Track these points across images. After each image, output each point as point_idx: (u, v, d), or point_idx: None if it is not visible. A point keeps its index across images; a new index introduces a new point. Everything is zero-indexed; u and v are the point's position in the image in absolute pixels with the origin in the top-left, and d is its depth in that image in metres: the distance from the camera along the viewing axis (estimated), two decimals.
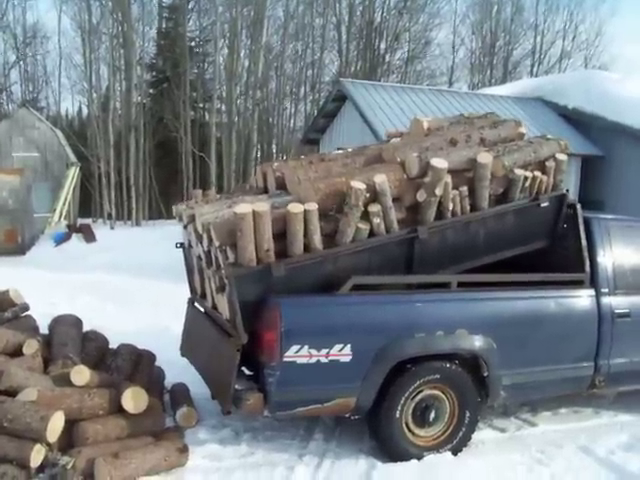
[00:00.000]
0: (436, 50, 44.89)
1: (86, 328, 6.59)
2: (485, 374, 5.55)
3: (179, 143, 34.92)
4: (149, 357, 6.54)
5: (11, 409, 4.71)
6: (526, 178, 5.93)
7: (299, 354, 4.91)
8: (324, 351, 4.97)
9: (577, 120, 18.58)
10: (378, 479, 5.08)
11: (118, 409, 5.24)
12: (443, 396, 5.53)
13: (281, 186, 5.85)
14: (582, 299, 6.05)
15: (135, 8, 35.27)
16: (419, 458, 5.35)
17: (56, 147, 26.80)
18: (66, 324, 6.34)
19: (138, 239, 20.71)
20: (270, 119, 39.98)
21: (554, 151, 6.26)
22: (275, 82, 39.89)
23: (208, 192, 6.76)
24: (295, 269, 5.00)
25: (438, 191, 5.37)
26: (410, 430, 5.44)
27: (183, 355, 6.67)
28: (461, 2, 57.47)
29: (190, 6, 38.96)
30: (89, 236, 21.29)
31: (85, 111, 43.53)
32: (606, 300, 6.12)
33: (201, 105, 39.76)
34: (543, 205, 6.19)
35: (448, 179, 5.43)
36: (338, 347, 5.00)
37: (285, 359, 4.88)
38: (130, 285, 13.08)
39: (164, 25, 41.01)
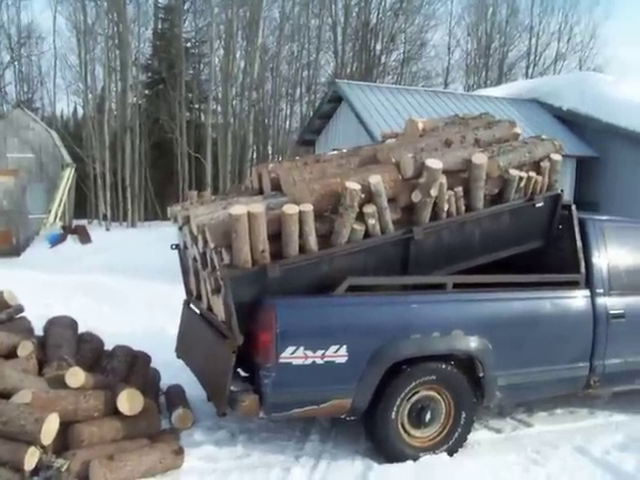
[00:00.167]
0: (432, 51, 44.91)
1: (81, 330, 6.59)
2: (481, 375, 5.56)
3: (175, 144, 34.81)
4: (144, 359, 6.53)
5: (5, 411, 4.70)
6: (521, 178, 5.93)
7: (295, 355, 4.91)
8: (320, 352, 4.97)
9: (572, 121, 18.62)
10: None
11: (113, 411, 5.24)
12: (439, 397, 5.54)
13: (276, 187, 5.85)
14: (577, 300, 6.06)
15: (130, 9, 35.13)
16: (415, 459, 5.36)
17: (51, 148, 26.70)
18: (61, 326, 6.33)
19: (133, 240, 20.70)
20: (266, 120, 39.90)
21: (549, 151, 6.27)
22: (271, 83, 39.82)
23: (203, 193, 6.76)
24: (290, 270, 5.00)
25: (433, 192, 5.37)
26: (406, 431, 5.45)
27: (179, 357, 6.66)
28: (456, 4, 57.35)
29: (186, 7, 38.89)
30: (84, 237, 21.27)
31: (80, 112, 43.54)
32: (601, 301, 6.13)
33: (197, 106, 39.65)
34: (538, 205, 6.20)
35: (443, 180, 5.44)
36: (334, 348, 5.00)
37: (281, 360, 4.89)
38: (125, 286, 13.06)
39: (160, 26, 40.88)
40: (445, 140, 6.06)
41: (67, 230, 22.19)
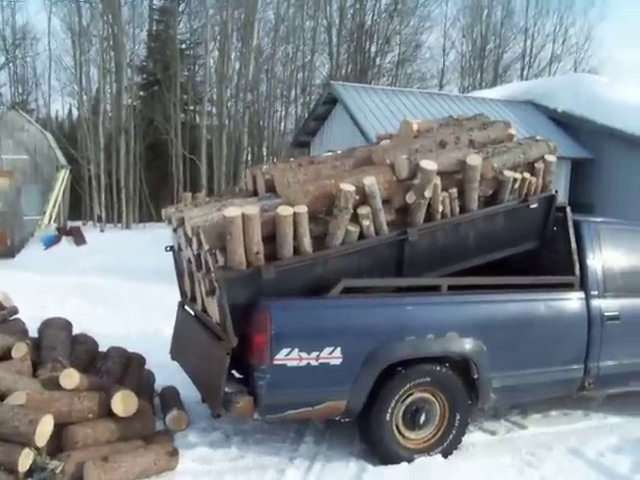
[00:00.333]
0: (427, 53, 44.92)
1: (76, 331, 6.59)
2: (475, 377, 5.56)
3: (169, 145, 34.76)
4: (139, 360, 6.53)
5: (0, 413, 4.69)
6: (515, 179, 5.94)
7: (289, 357, 4.91)
8: (314, 354, 4.97)
9: (567, 123, 18.64)
10: None
11: (108, 412, 5.23)
12: (433, 399, 5.54)
13: (270, 189, 5.84)
14: (572, 302, 6.07)
15: (125, 10, 35.13)
16: (410, 461, 5.36)
17: (46, 149, 26.73)
18: (55, 327, 6.33)
19: (128, 242, 20.68)
20: (261, 122, 39.86)
21: (543, 152, 6.28)
22: (266, 85, 39.78)
23: (197, 195, 6.75)
24: (285, 272, 5.00)
25: (427, 193, 5.37)
26: (400, 433, 5.45)
27: (173, 358, 6.65)
28: (451, 5, 57.62)
29: (181, 8, 38.84)
30: (79, 239, 21.25)
31: (75, 113, 43.42)
32: (596, 303, 6.14)
33: (192, 108, 39.58)
34: (532, 206, 6.21)
35: (437, 181, 5.44)
36: (328, 350, 5.00)
37: (275, 362, 4.89)
38: (120, 288, 13.06)
39: (154, 27, 40.82)
40: (439, 141, 6.06)
41: (62, 231, 22.17)
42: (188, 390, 6.12)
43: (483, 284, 5.77)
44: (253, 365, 5.00)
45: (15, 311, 6.62)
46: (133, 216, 33.48)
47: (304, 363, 4.95)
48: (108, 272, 15.00)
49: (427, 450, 5.50)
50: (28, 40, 42.08)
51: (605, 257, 6.31)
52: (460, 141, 6.15)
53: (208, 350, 5.52)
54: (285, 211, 4.86)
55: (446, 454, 5.54)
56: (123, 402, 5.24)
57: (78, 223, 29.66)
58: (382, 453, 5.38)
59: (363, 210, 5.20)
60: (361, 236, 5.29)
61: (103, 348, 6.53)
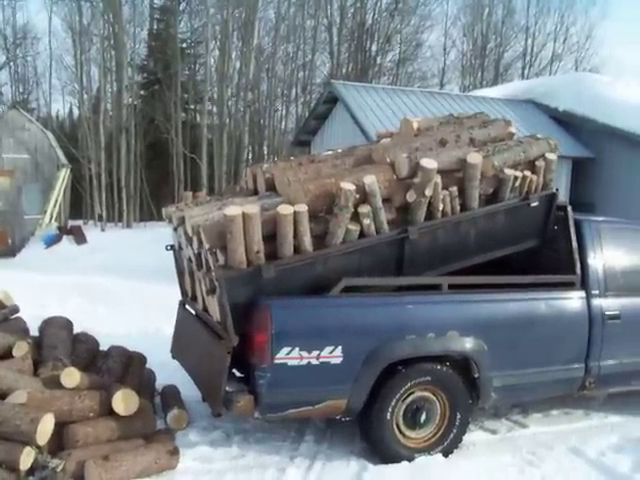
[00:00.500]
0: (427, 52, 44.91)
1: (76, 330, 6.58)
2: (476, 376, 5.56)
3: (170, 145, 34.75)
4: (140, 359, 6.53)
5: (1, 411, 4.70)
6: (516, 178, 5.93)
7: (290, 356, 4.91)
8: (315, 353, 4.97)
9: (568, 122, 18.62)
10: None
11: (109, 411, 5.24)
12: (434, 398, 5.54)
13: (271, 187, 5.84)
14: (573, 301, 6.06)
15: (126, 9, 35.12)
16: (410, 460, 5.36)
17: (47, 149, 26.70)
18: (56, 326, 6.32)
19: (129, 241, 20.68)
20: (261, 121, 39.84)
21: (544, 150, 6.27)
22: (266, 84, 39.76)
23: (198, 194, 6.75)
24: (285, 271, 5.00)
25: (428, 191, 5.37)
26: (401, 432, 5.45)
27: (174, 357, 6.65)
28: (452, 4, 57.39)
29: (181, 8, 38.84)
30: (80, 238, 21.24)
31: (76, 112, 43.40)
32: (597, 302, 6.13)
33: (192, 107, 39.58)
34: (533, 205, 6.20)
35: (438, 179, 5.44)
36: (329, 349, 5.00)
37: (276, 361, 4.89)
38: (121, 287, 13.06)
39: (155, 26, 40.82)
40: (440, 140, 6.06)
41: (62, 231, 22.17)
42: (189, 389, 6.13)
43: (484, 283, 5.76)
44: (254, 364, 5.00)
45: (16, 310, 6.62)
46: (134, 215, 33.50)
47: (305, 362, 4.95)
48: (109, 271, 14.99)
49: (428, 449, 5.50)
50: (29, 39, 42.17)
51: (606, 256, 6.30)
52: (460, 139, 6.15)
53: (209, 349, 5.52)
54: (285, 210, 4.86)
55: (447, 453, 5.54)
56: (124, 401, 5.24)
57: (79, 222, 29.69)
58: (383, 452, 5.38)
59: (363, 209, 5.20)
60: (361, 235, 5.29)
61: (104, 347, 6.54)
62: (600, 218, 6.74)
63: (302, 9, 39.46)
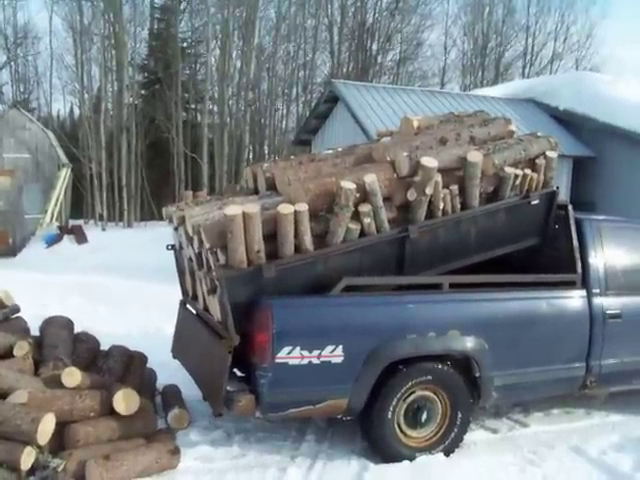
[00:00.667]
0: (428, 51, 44.91)
1: (77, 330, 6.58)
2: (477, 375, 5.56)
3: (171, 144, 34.77)
4: (140, 359, 6.53)
5: (1, 411, 4.70)
6: (516, 176, 5.93)
7: (291, 355, 4.90)
8: (316, 352, 4.97)
9: (568, 121, 18.60)
10: None
11: (109, 411, 5.23)
12: (435, 397, 5.53)
13: (271, 187, 5.84)
14: (574, 300, 6.06)
15: (127, 9, 35.14)
16: (411, 459, 5.36)
17: (47, 148, 26.70)
18: (57, 326, 6.32)
19: (130, 240, 20.67)
20: (262, 120, 39.84)
21: (544, 149, 6.27)
22: (267, 83, 39.77)
23: (199, 193, 6.74)
24: (286, 270, 5.00)
25: (428, 190, 5.37)
26: (402, 431, 5.45)
27: (175, 357, 6.65)
28: (453, 3, 57.72)
29: (182, 7, 38.79)
30: (80, 237, 21.23)
31: (76, 112, 43.41)
32: (598, 301, 6.13)
33: (193, 106, 39.60)
34: (534, 203, 6.20)
35: (438, 178, 5.43)
36: (330, 348, 5.00)
37: (277, 360, 4.88)
38: (122, 286, 13.05)
39: (156, 26, 40.81)
40: (440, 138, 6.05)
41: (63, 230, 22.15)
42: (189, 388, 6.12)
43: (485, 282, 5.76)
44: (255, 363, 5.00)
45: (17, 309, 6.63)
46: (135, 215, 33.54)
47: (306, 361, 4.95)
48: (109, 271, 14.98)
49: (429, 448, 5.50)
50: (29, 39, 42.17)
51: (607, 255, 6.30)
52: (461, 138, 6.15)
53: (210, 349, 5.52)
54: (286, 209, 4.85)
55: (448, 452, 5.54)
56: (125, 400, 5.24)
57: (80, 222, 29.64)
58: (384, 451, 5.38)
59: (364, 208, 5.20)
60: (362, 234, 5.29)
61: (104, 346, 6.53)
62: (601, 217, 6.74)
63: (303, 8, 39.49)
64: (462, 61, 45.49)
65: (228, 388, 5.07)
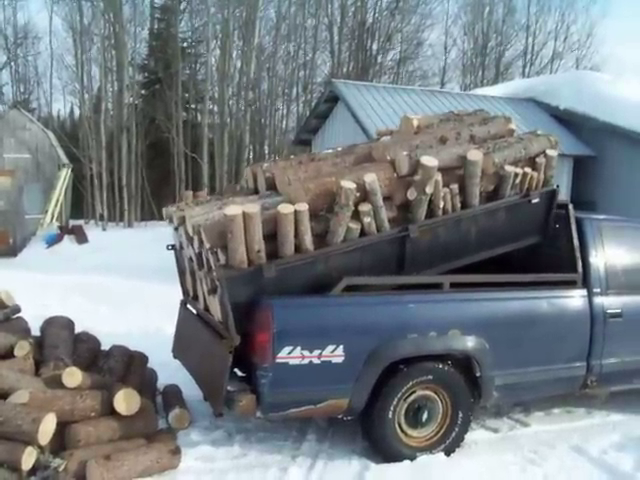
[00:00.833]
0: (428, 51, 44.85)
1: (78, 330, 6.58)
2: (478, 374, 5.56)
3: (171, 144, 34.74)
4: (141, 359, 6.52)
5: (2, 411, 4.70)
6: (517, 175, 5.93)
7: (291, 355, 4.90)
8: (316, 352, 4.97)
9: (569, 121, 18.59)
10: None
11: (110, 411, 5.23)
12: (436, 397, 5.53)
13: (271, 187, 5.84)
14: (574, 299, 6.06)
15: (127, 9, 35.06)
16: (412, 459, 5.36)
17: (48, 148, 26.70)
18: (58, 326, 6.32)
19: (130, 240, 20.67)
20: (262, 120, 39.80)
21: (544, 147, 6.27)
22: (267, 83, 39.72)
23: (199, 193, 6.74)
24: (286, 270, 5.00)
25: (428, 189, 5.37)
26: (403, 431, 5.45)
27: (175, 357, 6.66)
28: (453, 3, 57.69)
29: (182, 7, 38.77)
30: (81, 237, 21.24)
31: (77, 112, 43.37)
32: (598, 300, 6.13)
33: (193, 106, 39.57)
34: (534, 201, 6.20)
35: (438, 177, 5.43)
36: (330, 348, 5.00)
37: (277, 360, 4.88)
38: (122, 286, 13.06)
39: (156, 26, 40.76)
40: (440, 137, 6.05)
41: (64, 230, 22.15)
42: (190, 388, 6.12)
43: (485, 282, 5.76)
44: (255, 363, 5.00)
45: (17, 310, 6.62)
46: (135, 215, 33.53)
47: (306, 361, 4.95)
48: (110, 271, 14.99)
49: (429, 448, 5.50)
50: (29, 39, 42.13)
51: (608, 254, 6.30)
52: (461, 137, 6.15)
53: (210, 348, 5.52)
54: (286, 209, 4.86)
55: (448, 452, 5.54)
56: (125, 400, 5.24)
57: (80, 222, 29.58)
58: (384, 451, 5.38)
59: (364, 207, 5.20)
60: (362, 233, 5.29)
61: (105, 346, 6.53)
62: (601, 216, 6.74)
63: (303, 8, 39.47)
64: (462, 61, 45.51)
65: (229, 388, 5.07)
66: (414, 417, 5.46)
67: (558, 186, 6.42)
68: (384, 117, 16.56)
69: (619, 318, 6.19)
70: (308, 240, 5.03)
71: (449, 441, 5.56)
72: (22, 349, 5.71)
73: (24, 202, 21.99)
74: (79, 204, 34.63)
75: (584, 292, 6.10)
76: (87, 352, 6.25)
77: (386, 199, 5.37)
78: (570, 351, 6.06)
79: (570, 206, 6.26)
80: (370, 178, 5.16)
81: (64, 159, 27.34)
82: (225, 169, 32.40)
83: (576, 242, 6.10)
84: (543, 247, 6.42)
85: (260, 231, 4.81)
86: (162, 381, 6.68)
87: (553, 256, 6.31)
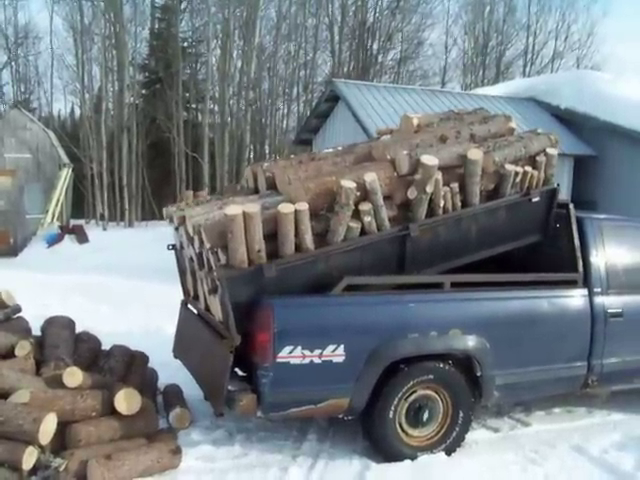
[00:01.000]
0: (429, 50, 44.90)
1: (79, 329, 6.58)
2: (478, 374, 5.56)
3: (172, 144, 34.75)
4: (142, 358, 6.52)
5: (3, 411, 4.69)
6: (517, 173, 5.93)
7: (292, 355, 4.90)
8: (317, 352, 4.96)
9: (569, 120, 18.59)
10: None
11: (111, 411, 5.23)
12: (436, 396, 5.53)
13: (271, 186, 5.84)
14: (575, 299, 6.06)
15: (127, 9, 35.08)
16: (413, 458, 5.36)
17: (48, 148, 26.71)
18: (58, 326, 6.32)
19: (131, 240, 20.69)
20: (263, 120, 39.81)
21: (544, 146, 6.27)
22: (268, 83, 39.74)
23: (199, 193, 6.74)
24: (287, 270, 4.99)
25: (429, 188, 5.36)
26: (404, 430, 5.45)
27: (176, 356, 6.65)
28: (453, 2, 57.76)
29: (183, 7, 38.76)
30: (82, 237, 21.25)
31: (77, 112, 43.43)
32: (599, 300, 6.13)
33: (194, 106, 39.57)
34: (534, 200, 6.20)
35: (439, 176, 5.43)
36: (331, 348, 4.99)
37: (278, 360, 4.88)
38: (123, 286, 13.07)
39: (156, 26, 40.76)
40: (440, 136, 6.04)
41: (64, 230, 22.16)
42: (191, 388, 6.12)
43: (486, 281, 5.76)
44: (256, 363, 5.00)
45: (18, 309, 6.62)
46: (136, 214, 33.55)
47: (307, 361, 4.94)
48: (111, 270, 15.01)
49: (430, 448, 5.50)
50: (30, 39, 42.18)
51: (608, 254, 6.29)
52: (461, 136, 6.14)
53: (211, 348, 5.52)
54: (286, 208, 4.85)
55: (449, 452, 5.53)
56: (126, 400, 5.24)
57: (81, 221, 29.60)
58: (385, 451, 5.38)
59: (364, 206, 5.19)
60: (363, 232, 5.29)
61: (106, 346, 6.53)
62: (602, 216, 6.73)
63: (303, 8, 39.48)
64: (463, 60, 45.54)
65: (229, 388, 5.06)
66: (415, 417, 5.46)
67: (558, 185, 6.41)
68: (384, 116, 16.55)
69: (620, 318, 6.18)
70: (308, 239, 5.02)
71: (450, 441, 5.56)
72: (23, 349, 5.71)
73: (25, 202, 22.01)
74: (80, 204, 34.64)
75: (585, 292, 6.09)
76: (88, 352, 6.25)
77: (386, 198, 5.37)
78: (571, 351, 6.05)
79: (571, 206, 6.25)
80: (370, 177, 5.16)
81: (65, 159, 27.36)
82: (226, 169, 32.41)
83: (577, 242, 6.09)
84: (544, 247, 6.42)
85: (260, 231, 4.80)
86: (163, 381, 6.68)
87: (554, 256, 6.31)
